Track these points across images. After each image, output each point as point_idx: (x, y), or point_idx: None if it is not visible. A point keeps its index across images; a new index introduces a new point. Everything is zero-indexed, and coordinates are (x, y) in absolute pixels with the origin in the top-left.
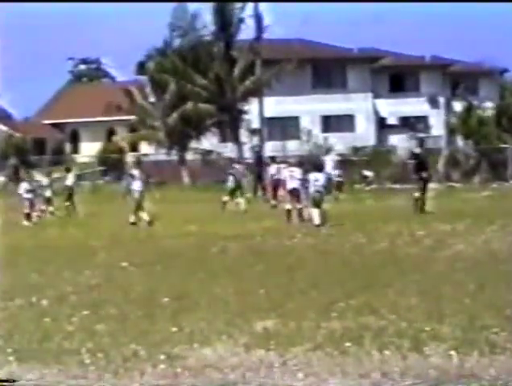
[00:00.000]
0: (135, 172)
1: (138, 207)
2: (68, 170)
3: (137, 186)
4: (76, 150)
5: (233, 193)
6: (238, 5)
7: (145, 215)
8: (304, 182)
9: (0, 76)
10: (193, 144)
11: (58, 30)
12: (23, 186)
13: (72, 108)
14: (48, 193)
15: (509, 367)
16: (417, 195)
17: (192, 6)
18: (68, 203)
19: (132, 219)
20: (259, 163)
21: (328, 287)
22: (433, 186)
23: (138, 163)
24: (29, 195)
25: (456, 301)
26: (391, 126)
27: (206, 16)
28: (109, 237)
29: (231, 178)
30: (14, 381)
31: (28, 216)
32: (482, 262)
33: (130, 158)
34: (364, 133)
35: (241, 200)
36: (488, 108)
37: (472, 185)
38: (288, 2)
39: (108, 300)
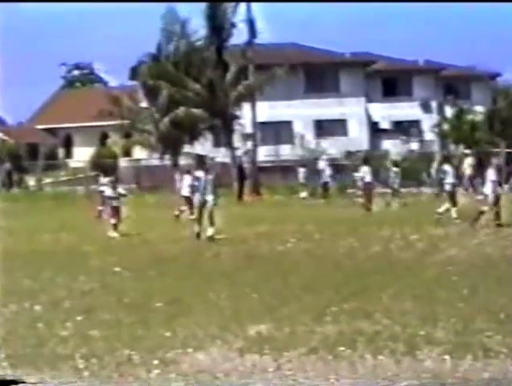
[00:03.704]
0: (200, 173)
1: (210, 216)
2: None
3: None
4: (69, 155)
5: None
6: (230, 9)
7: (203, 228)
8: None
9: None
10: (186, 149)
11: (51, 36)
12: (109, 192)
13: (65, 113)
14: (186, 192)
15: (502, 371)
16: None
17: (182, 12)
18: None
19: (210, 232)
20: (242, 168)
21: (321, 291)
22: (426, 191)
23: (203, 162)
24: (116, 203)
25: (449, 305)
26: (384, 131)
27: (197, 21)
28: (103, 242)
29: None
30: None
31: (115, 226)
32: (475, 266)
33: (123, 162)
34: (357, 138)
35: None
36: (480, 112)
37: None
38: (280, 2)
39: (102, 305)
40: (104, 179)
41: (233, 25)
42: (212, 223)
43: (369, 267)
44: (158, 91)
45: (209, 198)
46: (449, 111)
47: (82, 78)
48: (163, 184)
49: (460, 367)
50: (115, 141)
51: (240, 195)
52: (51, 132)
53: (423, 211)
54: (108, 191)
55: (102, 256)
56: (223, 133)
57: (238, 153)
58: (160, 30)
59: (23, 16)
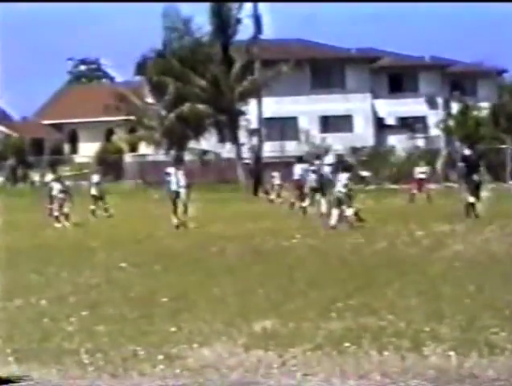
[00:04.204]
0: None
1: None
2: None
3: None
4: (74, 151)
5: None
6: (236, 5)
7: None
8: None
9: None
10: (192, 144)
11: (57, 31)
12: (56, 187)
13: (70, 108)
14: (94, 191)
15: (508, 368)
16: (469, 199)
17: (184, 10)
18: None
19: (175, 221)
20: (257, 163)
21: (327, 287)
22: (432, 187)
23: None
24: (62, 196)
25: (455, 301)
26: (390, 126)
27: (200, 18)
28: (108, 237)
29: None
30: (15, 381)
31: (57, 218)
32: (481, 263)
33: (128, 158)
34: (362, 134)
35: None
36: (486, 108)
37: None
38: (286, 2)
39: (107, 300)
40: (57, 184)
41: (238, 21)
42: (185, 213)
43: (374, 263)
44: (164, 87)
45: (182, 190)
46: (455, 107)
47: (88, 73)
48: None
49: (466, 364)
50: (120, 137)
51: (255, 190)
52: (57, 127)
53: (429, 207)
54: (56, 186)
55: (107, 251)
56: (228, 129)
57: (245, 148)
58: (163, 29)
59: (30, 11)
